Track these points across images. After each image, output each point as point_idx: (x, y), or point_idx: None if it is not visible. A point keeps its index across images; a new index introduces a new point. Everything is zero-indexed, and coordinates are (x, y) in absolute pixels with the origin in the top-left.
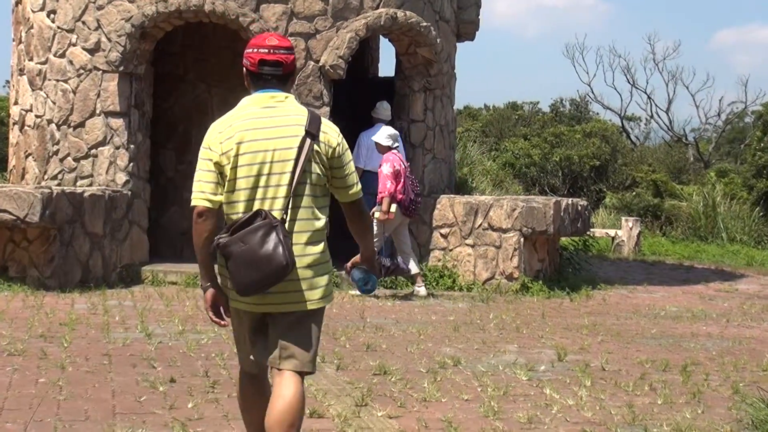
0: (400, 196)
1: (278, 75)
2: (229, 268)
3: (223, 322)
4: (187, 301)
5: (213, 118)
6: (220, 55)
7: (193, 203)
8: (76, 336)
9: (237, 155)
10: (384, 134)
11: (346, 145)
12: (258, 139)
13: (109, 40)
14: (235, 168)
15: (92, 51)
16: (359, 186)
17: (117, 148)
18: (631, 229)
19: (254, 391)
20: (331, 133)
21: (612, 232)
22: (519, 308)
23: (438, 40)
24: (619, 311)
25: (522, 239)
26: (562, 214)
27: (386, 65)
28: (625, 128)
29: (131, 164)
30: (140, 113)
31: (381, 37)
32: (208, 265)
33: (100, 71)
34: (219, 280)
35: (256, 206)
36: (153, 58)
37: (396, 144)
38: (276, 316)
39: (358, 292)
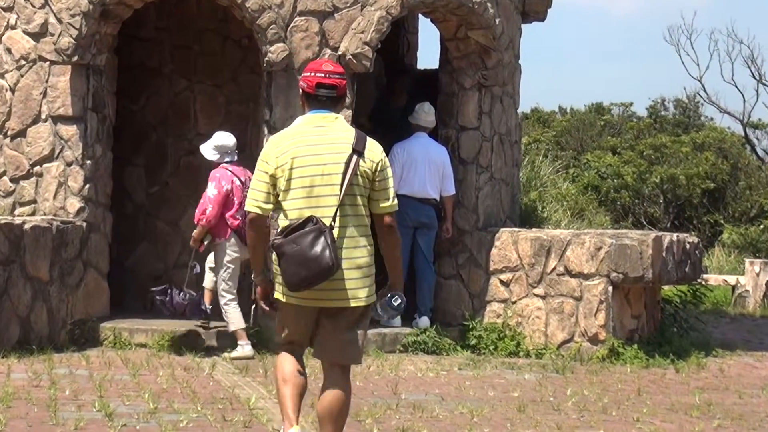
0: (235, 223)
1: (332, 97)
2: (281, 266)
3: (271, 310)
4: (160, 369)
5: (197, 124)
6: (205, 40)
7: (246, 208)
8: (13, 416)
9: (291, 168)
10: (209, 146)
11: (388, 162)
12: (310, 154)
13: (60, 20)
14: (289, 180)
15: (37, 36)
16: (395, 201)
17: (69, 164)
18: (758, 274)
19: (292, 368)
20: (375, 151)
21: (732, 279)
22: (606, 381)
23: (497, 21)
24: (742, 386)
25: (610, 288)
26: (664, 254)
27: (427, 54)
28: (749, 139)
29: (87, 186)
30: (100, 118)
31: (420, 16)
32: (259, 263)
33: (47, 62)
34: (271, 277)
35: (308, 214)
36: (117, 45)
37: (228, 158)
38: (325, 312)
39: (385, 317)
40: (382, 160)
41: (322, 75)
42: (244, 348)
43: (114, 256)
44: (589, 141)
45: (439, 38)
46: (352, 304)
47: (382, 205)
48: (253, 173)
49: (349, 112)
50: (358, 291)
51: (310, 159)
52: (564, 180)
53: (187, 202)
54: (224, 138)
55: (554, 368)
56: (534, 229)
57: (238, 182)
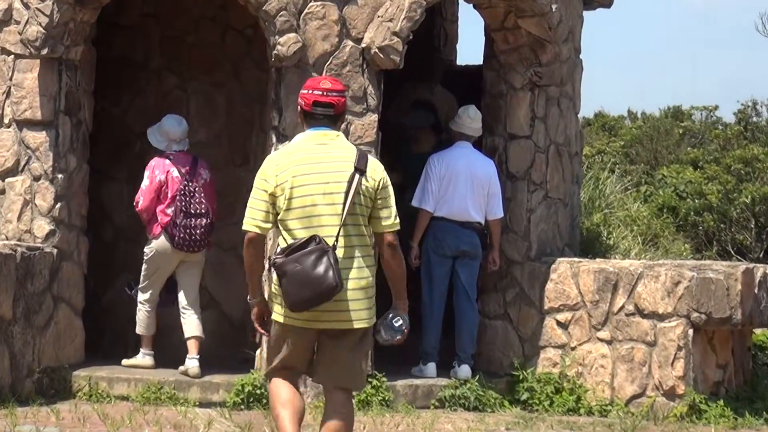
0: (165, 219)
1: (330, 115)
2: (282, 286)
3: (267, 333)
4: (145, 427)
5: (191, 130)
6: (202, 30)
7: (244, 228)
8: None
9: (292, 187)
10: (154, 132)
11: (389, 180)
12: (312, 173)
13: (26, 5)
14: (290, 199)
15: None
16: (397, 220)
17: (36, 178)
18: None
19: (289, 392)
20: (376, 169)
21: None
22: None
23: (554, 7)
24: None
25: (691, 332)
26: (756, 290)
27: (469, 48)
28: None
29: (59, 205)
30: (74, 123)
31: (461, 1)
32: (255, 283)
33: (11, 56)
34: (270, 298)
35: (310, 233)
36: (96, 34)
37: (176, 146)
38: (327, 334)
39: (386, 339)
40: (383, 178)
41: (320, 93)
42: (144, 357)
43: (90, 289)
44: (665, 153)
45: (483, 28)
46: (355, 326)
47: (383, 223)
48: (209, 171)
49: (375, 117)
50: (361, 312)
51: (311, 177)
52: (634, 200)
53: None
54: (172, 122)
55: (622, 428)
56: (598, 260)
57: (176, 173)
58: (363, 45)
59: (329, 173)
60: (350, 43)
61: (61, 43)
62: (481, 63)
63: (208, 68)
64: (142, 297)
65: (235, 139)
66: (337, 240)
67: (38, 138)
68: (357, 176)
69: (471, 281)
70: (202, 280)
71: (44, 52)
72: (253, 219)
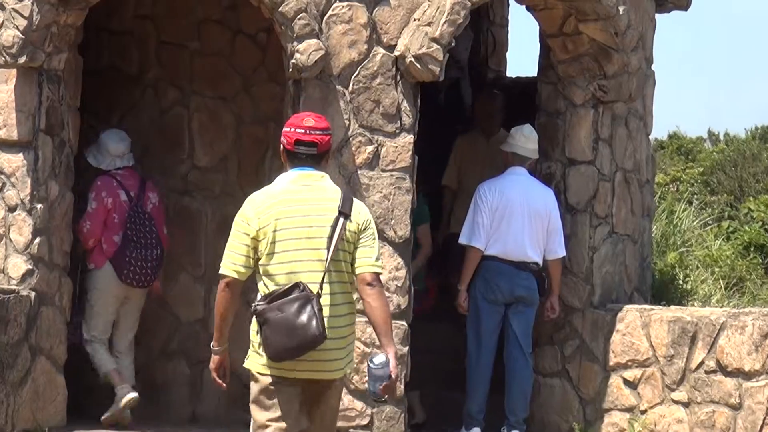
0: (111, 249)
1: (313, 155)
2: (264, 334)
3: (224, 385)
4: None
5: (194, 153)
6: (206, 35)
7: (222, 271)
8: None
9: (275, 231)
10: (92, 151)
11: (373, 223)
12: (295, 216)
13: (2, 6)
14: (273, 243)
15: None
16: (380, 262)
17: (11, 209)
18: None
19: None
20: (360, 212)
21: None
22: None
23: (621, 9)
24: None
25: None
26: None
27: (520, 57)
28: None
29: (37, 240)
30: (56, 144)
31: (512, 2)
32: (223, 330)
33: None
34: (250, 348)
35: (293, 279)
36: (82, 40)
37: (120, 162)
38: (308, 383)
39: (372, 390)
40: (367, 220)
41: (302, 131)
42: (123, 393)
43: (75, 339)
44: (752, 181)
45: (538, 34)
46: (335, 376)
47: (365, 263)
48: (157, 193)
49: (410, 138)
50: (339, 362)
51: (295, 221)
52: (715, 237)
53: (179, 266)
54: (112, 138)
55: None
56: (673, 307)
57: (124, 196)
58: (396, 53)
59: (313, 216)
60: (381, 50)
61: (41, 49)
62: (536, 75)
63: (214, 80)
64: (90, 333)
65: (244, 164)
66: (321, 287)
67: (14, 161)
68: (341, 220)
69: (526, 332)
70: (208, 333)
71: (22, 60)
72: (232, 263)
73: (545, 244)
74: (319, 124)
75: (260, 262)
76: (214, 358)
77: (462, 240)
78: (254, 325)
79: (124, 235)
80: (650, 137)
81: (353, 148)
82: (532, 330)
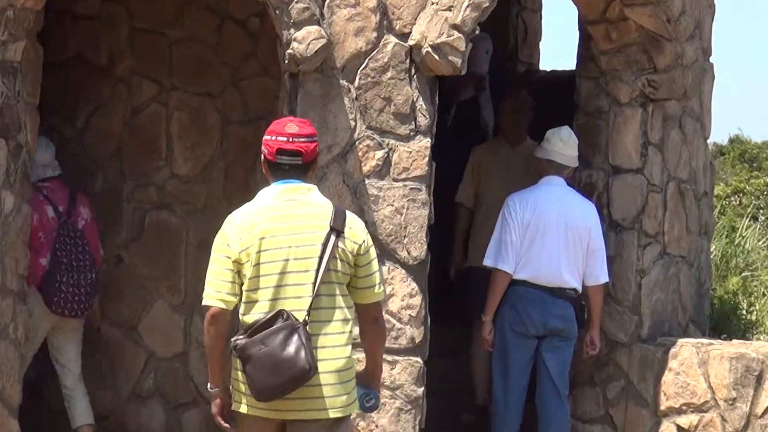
0: (38, 273)
1: (297, 165)
2: (246, 372)
3: (231, 430)
4: None
5: (173, 157)
6: (188, 21)
7: (205, 302)
8: None
9: (259, 252)
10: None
11: (371, 241)
12: (280, 235)
13: None
14: (257, 266)
15: None
16: (381, 289)
17: None
18: None
19: None
20: (356, 229)
21: None
22: None
23: None
24: None
25: None
26: None
27: (556, 47)
28: None
29: None
30: (12, 148)
31: None
32: (217, 369)
33: None
34: (231, 385)
35: (277, 306)
36: (44, 27)
37: (49, 172)
38: (296, 425)
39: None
40: (365, 240)
41: (284, 139)
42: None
43: (31, 378)
44: None
45: (577, 20)
46: (330, 415)
47: (367, 294)
48: (89, 208)
49: (426, 141)
50: (336, 399)
51: (280, 240)
52: None
53: (155, 292)
54: (38, 144)
55: None
56: (735, 342)
57: (51, 212)
58: (411, 42)
59: (300, 235)
60: (393, 39)
61: None
62: (574, 68)
63: (197, 73)
64: (69, 378)
65: (232, 172)
66: (308, 314)
67: None
68: (333, 238)
69: (562, 371)
70: (188, 370)
71: None
72: (216, 292)
73: (585, 268)
74: (303, 131)
75: (243, 288)
76: (215, 401)
77: (487, 262)
78: (235, 363)
79: (52, 256)
80: (708, 141)
81: (360, 154)
82: (570, 368)
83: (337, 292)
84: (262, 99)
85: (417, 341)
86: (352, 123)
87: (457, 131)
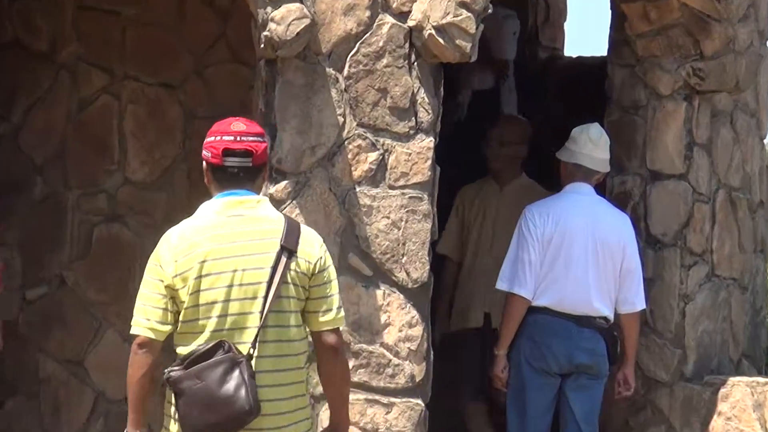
0: None
1: (247, 167)
2: (179, 408)
3: None
4: None
5: (126, 160)
6: None
7: (134, 331)
8: None
9: (197, 277)
10: None
11: (330, 260)
12: (224, 257)
13: None
14: (195, 293)
15: None
16: (341, 314)
17: None
18: None
19: None
20: (311, 246)
21: None
22: None
23: None
24: None
25: None
26: None
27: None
28: None
29: None
30: None
31: None
32: (138, 408)
33: None
34: (163, 422)
35: (220, 338)
36: None
37: None
38: None
39: None
40: (321, 257)
41: (231, 138)
42: None
43: None
44: None
45: (609, 2)
46: None
47: (322, 319)
48: None
49: (429, 141)
50: None
51: (223, 264)
52: None
53: (103, 320)
54: None
55: None
56: None
57: None
58: (411, 23)
59: (247, 257)
60: (390, 19)
61: None
62: (605, 54)
63: (155, 60)
64: None
65: (196, 177)
66: (254, 347)
67: None
68: (284, 259)
69: (590, 414)
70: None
71: None
72: (146, 319)
73: (618, 292)
74: (251, 129)
75: (180, 318)
76: None
77: (501, 285)
78: (168, 396)
79: None
80: (765, 141)
81: (350, 156)
82: (599, 412)
83: (291, 322)
84: (233, 90)
85: (418, 380)
86: (341, 119)
87: (470, 127)
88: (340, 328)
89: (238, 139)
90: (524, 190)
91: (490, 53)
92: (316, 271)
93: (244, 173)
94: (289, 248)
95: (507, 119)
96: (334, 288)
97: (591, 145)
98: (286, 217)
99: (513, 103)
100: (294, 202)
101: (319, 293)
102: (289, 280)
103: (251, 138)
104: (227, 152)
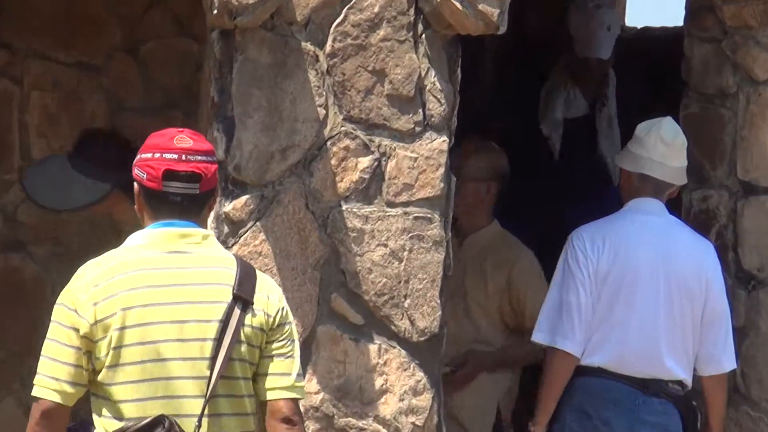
0: None
1: (193, 195)
2: None
3: None
4: None
5: (29, 156)
6: None
7: (36, 393)
8: None
9: (123, 328)
10: None
11: (290, 314)
12: (159, 303)
13: None
14: (118, 348)
15: None
16: (301, 382)
17: None
18: None
19: None
20: (270, 296)
21: None
22: None
23: None
24: None
25: None
26: None
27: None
28: None
29: None
30: None
31: None
32: None
33: None
34: None
35: (155, 409)
36: None
37: None
38: None
39: None
40: (283, 308)
41: (174, 157)
42: None
43: None
44: None
45: None
46: None
47: (278, 383)
48: None
49: (441, 141)
50: None
51: (157, 311)
52: None
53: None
54: None
55: None
56: None
57: None
58: None
59: (190, 304)
60: None
61: None
62: (680, 25)
63: (70, 33)
64: None
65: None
66: (200, 422)
67: None
68: (237, 311)
69: None
70: None
71: None
72: (53, 378)
73: (699, 347)
74: (200, 145)
75: (98, 378)
76: None
77: (538, 337)
78: None
79: None
80: None
81: (334, 161)
82: None
83: (244, 392)
84: (175, 73)
85: None
86: (322, 111)
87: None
88: (299, 401)
89: (184, 158)
90: (490, 243)
91: (573, 53)
92: (275, 326)
93: (189, 202)
94: (243, 298)
95: (468, 147)
96: (296, 350)
97: (663, 147)
98: (238, 259)
99: (614, 137)
100: (257, 224)
101: (275, 351)
102: (243, 338)
103: (200, 157)
104: (169, 175)
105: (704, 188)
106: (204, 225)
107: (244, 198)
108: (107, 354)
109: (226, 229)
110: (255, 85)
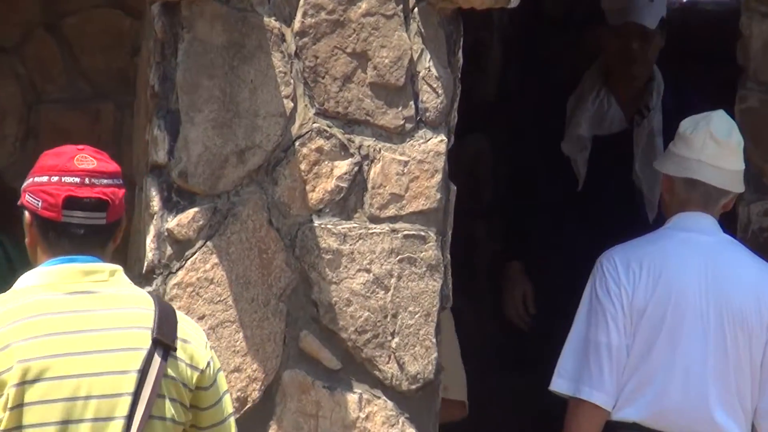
0: None
1: (98, 227)
2: None
3: None
4: None
5: None
6: None
7: None
8: None
9: (21, 384)
10: None
11: (218, 363)
12: (62, 354)
13: None
14: (17, 408)
15: None
16: (234, 428)
17: None
18: None
19: None
20: (195, 342)
21: None
22: None
23: None
24: None
25: None
26: None
27: None
28: None
29: None
30: None
31: None
32: None
33: None
34: None
35: None
36: None
37: None
38: None
39: None
40: (210, 361)
41: (76, 181)
42: None
43: None
44: None
45: None
46: None
47: None
48: None
49: (438, 141)
50: None
51: (61, 364)
52: None
53: None
54: None
55: None
56: None
57: None
58: None
59: (100, 354)
60: None
61: None
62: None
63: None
64: None
65: None
66: None
67: None
68: (158, 359)
69: None
70: None
71: None
72: None
73: (757, 398)
74: (105, 166)
75: None
76: None
77: (559, 386)
78: None
79: None
80: None
81: (303, 166)
82: None
83: None
84: (106, 55)
85: None
86: (289, 104)
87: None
88: None
89: (87, 182)
90: None
91: (606, 32)
92: (206, 383)
93: (93, 234)
94: (164, 343)
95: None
96: (228, 407)
97: (714, 147)
98: (155, 297)
99: (656, 157)
100: (208, 244)
101: (208, 419)
102: (165, 392)
103: (105, 180)
104: (71, 203)
105: (765, 200)
106: (108, 259)
107: (191, 212)
108: (3, 415)
109: (169, 251)
110: (205, 72)
